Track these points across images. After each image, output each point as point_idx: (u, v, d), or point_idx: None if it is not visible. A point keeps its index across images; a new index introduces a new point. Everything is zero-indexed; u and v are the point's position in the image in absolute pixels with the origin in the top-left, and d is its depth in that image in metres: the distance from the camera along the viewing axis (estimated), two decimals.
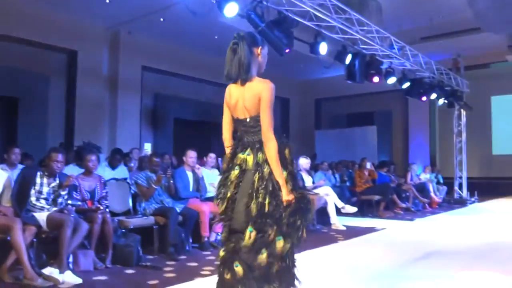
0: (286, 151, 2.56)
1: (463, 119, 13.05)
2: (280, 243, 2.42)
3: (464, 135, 12.99)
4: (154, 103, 12.56)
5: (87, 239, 4.49)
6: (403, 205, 9.78)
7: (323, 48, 6.81)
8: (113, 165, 6.83)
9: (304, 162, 8.00)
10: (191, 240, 5.51)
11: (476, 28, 11.43)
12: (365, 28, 7.56)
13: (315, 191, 7.50)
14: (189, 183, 5.85)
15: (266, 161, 2.48)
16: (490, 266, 4.61)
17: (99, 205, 4.78)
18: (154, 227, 5.18)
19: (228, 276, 2.47)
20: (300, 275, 2.53)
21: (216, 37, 10.54)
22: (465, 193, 12.68)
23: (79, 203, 4.71)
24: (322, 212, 7.63)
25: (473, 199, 12.36)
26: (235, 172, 2.58)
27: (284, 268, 2.47)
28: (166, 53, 11.83)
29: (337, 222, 7.45)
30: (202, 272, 4.35)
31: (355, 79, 7.39)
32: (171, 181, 5.62)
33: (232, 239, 2.51)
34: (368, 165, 9.72)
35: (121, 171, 6.77)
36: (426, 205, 10.60)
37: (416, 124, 16.02)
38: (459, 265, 4.64)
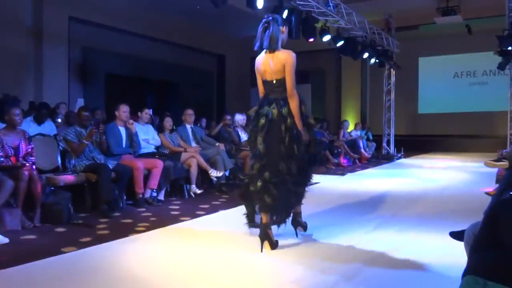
0: (302, 107, 3.56)
1: (393, 78, 13.57)
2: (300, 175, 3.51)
3: (393, 94, 13.56)
4: (84, 57, 11.87)
5: (13, 198, 4.24)
6: (335, 161, 10.12)
7: (259, 2, 6.68)
8: (39, 121, 6.44)
9: (239, 118, 7.98)
10: (125, 197, 5.38)
11: None
12: None
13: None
14: (122, 139, 5.65)
15: (288, 114, 3.43)
16: (419, 209, 4.91)
17: (24, 162, 4.50)
18: (85, 184, 4.99)
19: (268, 200, 3.42)
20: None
21: None
22: (392, 149, 13.35)
23: (2, 159, 4.41)
24: None
25: (399, 155, 13.04)
26: (261, 121, 3.48)
27: (303, 185, 3.68)
28: (96, 4, 11.12)
29: None
30: (137, 229, 4.28)
31: (291, 35, 7.35)
32: (103, 137, 5.40)
33: (265, 173, 3.42)
34: None
35: (48, 127, 6.41)
36: (356, 160, 11.04)
37: (349, 83, 16.46)
38: (393, 209, 4.90)
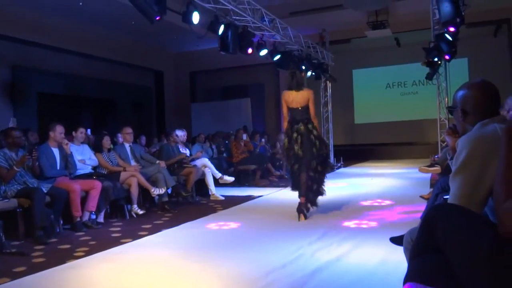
0: (316, 125, 5.53)
1: (329, 90, 13.95)
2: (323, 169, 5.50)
3: (330, 106, 13.93)
4: (13, 76, 11.28)
5: None
6: (278, 173, 10.20)
7: (195, 18, 6.66)
8: None
9: (180, 134, 7.88)
10: (61, 222, 5.12)
11: (339, 4, 12.13)
12: None
13: (193, 163, 7.46)
14: (56, 161, 5.39)
15: (313, 128, 5.41)
16: (360, 217, 5.02)
17: None
18: (18, 210, 4.70)
19: (303, 180, 5.36)
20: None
21: (81, 3, 9.75)
22: (332, 159, 13.66)
23: None
24: (201, 184, 7.62)
25: (339, 164, 13.37)
26: (295, 135, 5.38)
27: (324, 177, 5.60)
28: (25, 21, 10.63)
29: (216, 193, 7.50)
30: (76, 254, 4.07)
31: (228, 49, 7.37)
32: (36, 163, 5.09)
33: (302, 169, 5.37)
34: (244, 136, 9.92)
35: None
36: None
37: None
38: (336, 219, 4.98)
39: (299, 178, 5.38)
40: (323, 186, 5.56)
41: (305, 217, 5.31)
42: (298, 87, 5.50)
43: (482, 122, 1.87)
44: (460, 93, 2.00)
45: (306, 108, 5.46)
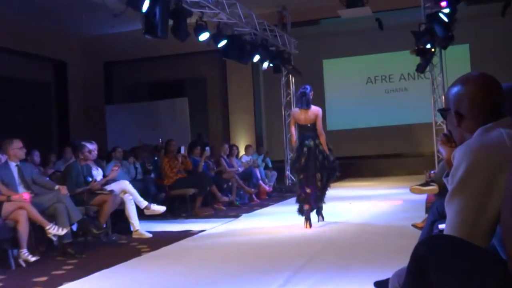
0: (323, 141, 7.49)
1: (292, 87, 14.07)
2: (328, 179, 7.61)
3: (294, 107, 13.99)
4: None
5: None
6: (226, 199, 10.16)
7: None
8: None
9: (92, 148, 7.69)
10: None
11: None
12: None
13: (108, 187, 7.29)
14: None
15: (319, 143, 7.36)
16: (336, 254, 5.05)
17: None
18: None
19: (308, 190, 7.29)
20: None
21: None
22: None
23: None
24: (119, 217, 7.47)
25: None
26: (304, 149, 7.31)
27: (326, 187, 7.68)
28: None
29: (140, 229, 7.37)
30: None
31: (156, 33, 7.30)
32: None
33: (308, 178, 7.31)
34: (182, 150, 9.81)
35: None
36: (253, 196, 11.20)
37: (237, 94, 16.77)
38: (304, 257, 4.98)
39: (305, 189, 7.35)
40: (321, 196, 7.56)
41: (310, 225, 7.21)
42: (308, 106, 7.43)
43: (484, 127, 1.88)
44: (453, 90, 2.02)
45: (314, 125, 7.44)
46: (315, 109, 7.48)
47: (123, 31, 14.26)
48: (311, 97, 7.59)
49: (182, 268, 5.34)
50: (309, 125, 7.46)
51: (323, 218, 7.72)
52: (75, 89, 16.63)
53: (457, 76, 2.19)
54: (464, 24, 11.04)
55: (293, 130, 7.94)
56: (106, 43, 16.18)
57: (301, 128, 7.65)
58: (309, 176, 7.35)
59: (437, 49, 10.72)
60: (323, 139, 7.46)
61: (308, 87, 7.59)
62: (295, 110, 7.76)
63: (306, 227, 7.19)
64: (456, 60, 13.50)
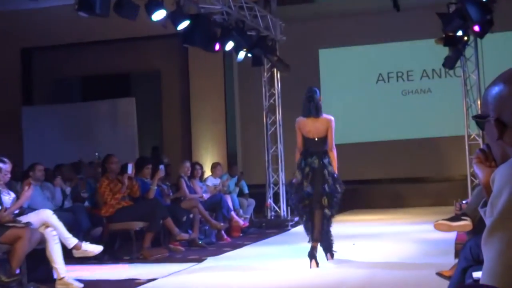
0: (334, 158, 8.01)
1: (277, 86, 14.03)
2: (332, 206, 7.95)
3: (279, 112, 13.94)
4: None
5: None
6: (185, 236, 10.11)
7: None
8: None
9: (4, 167, 7.66)
10: None
11: None
12: None
13: (24, 219, 7.23)
14: None
15: (328, 163, 7.76)
16: None
17: None
18: None
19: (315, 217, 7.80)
20: None
21: None
22: (284, 209, 13.66)
23: None
24: (38, 259, 7.40)
25: (296, 218, 13.38)
26: (307, 169, 7.70)
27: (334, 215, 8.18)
28: None
29: (67, 276, 7.31)
30: None
31: (93, 9, 7.31)
32: None
33: (312, 205, 7.71)
34: (129, 169, 9.59)
35: None
36: (223, 232, 11.15)
37: (203, 94, 16.70)
38: None
39: (311, 217, 7.73)
40: (327, 226, 7.93)
41: (317, 265, 7.50)
42: (317, 113, 7.74)
43: None
44: (493, 91, 2.02)
45: (323, 139, 7.79)
46: (326, 118, 7.80)
47: (48, 6, 14.19)
48: (320, 101, 7.82)
49: None
50: (316, 139, 7.76)
51: (332, 255, 7.99)
52: None
53: (498, 72, 2.20)
54: (508, 4, 11.17)
55: (300, 144, 8.01)
56: (22, 24, 16.07)
57: (307, 142, 7.85)
58: (315, 202, 7.61)
59: (471, 38, 10.81)
60: (334, 156, 7.79)
61: (316, 90, 7.78)
62: (300, 120, 7.93)
63: (313, 267, 7.44)
64: (497, 53, 13.64)
